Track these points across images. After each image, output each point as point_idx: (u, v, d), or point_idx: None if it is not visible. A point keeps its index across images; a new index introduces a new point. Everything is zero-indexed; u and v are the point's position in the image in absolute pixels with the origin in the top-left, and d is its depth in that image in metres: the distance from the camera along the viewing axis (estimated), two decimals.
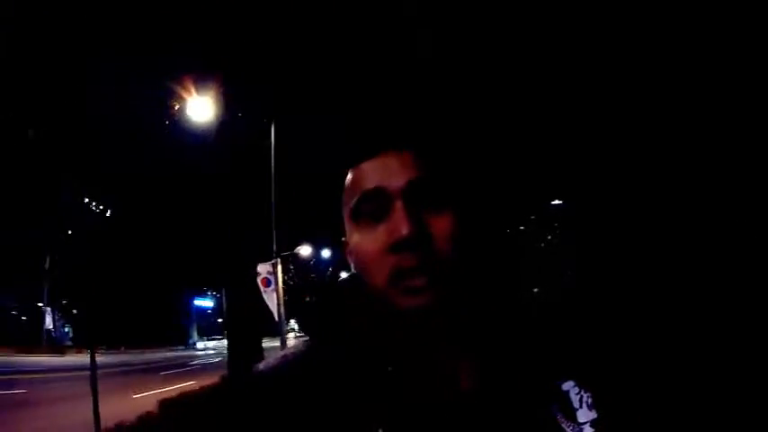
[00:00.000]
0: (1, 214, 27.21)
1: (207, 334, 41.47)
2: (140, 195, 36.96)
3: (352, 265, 0.68)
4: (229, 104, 11.71)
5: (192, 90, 11.38)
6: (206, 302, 47.63)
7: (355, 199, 0.64)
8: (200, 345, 38.41)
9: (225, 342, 32.99)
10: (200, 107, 11.61)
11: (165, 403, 5.86)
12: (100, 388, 11.90)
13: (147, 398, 9.79)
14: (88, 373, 16.56)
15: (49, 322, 28.84)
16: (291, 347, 0.69)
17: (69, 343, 30.32)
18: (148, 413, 5.59)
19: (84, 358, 22.55)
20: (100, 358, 21.84)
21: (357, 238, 0.64)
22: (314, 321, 0.72)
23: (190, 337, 40.86)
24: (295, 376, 0.65)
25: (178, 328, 40.37)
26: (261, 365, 0.68)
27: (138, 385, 12.31)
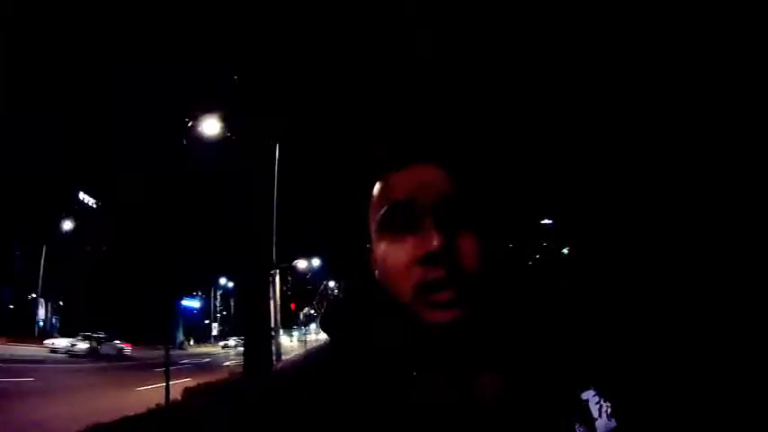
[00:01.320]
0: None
1: (193, 335, 41.79)
2: (140, 194, 37.75)
3: (376, 273, 0.69)
4: (236, 124, 12.67)
5: (204, 109, 12.55)
6: (193, 303, 48.00)
7: (384, 209, 0.64)
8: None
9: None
10: (210, 125, 12.91)
11: (191, 392, 6.81)
12: (100, 381, 12.84)
13: (148, 391, 10.75)
14: (83, 365, 17.45)
15: (41, 314, 29.41)
16: (315, 349, 0.94)
17: (57, 334, 30.88)
18: (177, 400, 6.55)
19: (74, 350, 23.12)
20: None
21: (384, 248, 0.65)
22: (338, 323, 0.73)
23: (176, 337, 41.30)
24: (321, 379, 0.67)
25: (163, 328, 40.81)
26: (285, 366, 0.96)
27: (137, 380, 13.11)
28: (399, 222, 0.63)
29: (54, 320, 33.09)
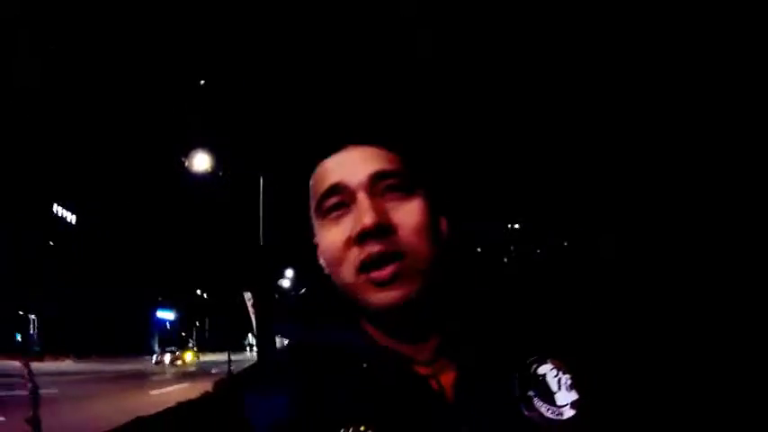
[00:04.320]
0: None
1: (167, 345, 42.87)
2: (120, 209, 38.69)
3: (323, 267, 0.68)
4: (223, 158, 14.76)
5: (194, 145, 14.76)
6: (167, 315, 49.22)
7: (319, 195, 0.65)
8: None
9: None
10: (200, 160, 15.29)
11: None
12: (116, 387, 14.61)
13: (163, 394, 12.72)
14: (82, 377, 19.08)
15: (32, 330, 30.48)
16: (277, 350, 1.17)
17: (38, 349, 31.86)
18: (203, 394, 8.71)
19: (63, 364, 24.52)
20: (78, 365, 23.75)
21: (324, 235, 0.66)
22: (289, 325, 0.74)
23: (151, 347, 42.44)
24: (277, 378, 0.68)
25: (139, 339, 41.87)
26: (246, 371, 1.49)
27: (147, 386, 15.08)
28: (334, 206, 0.64)
29: (35, 336, 33.90)
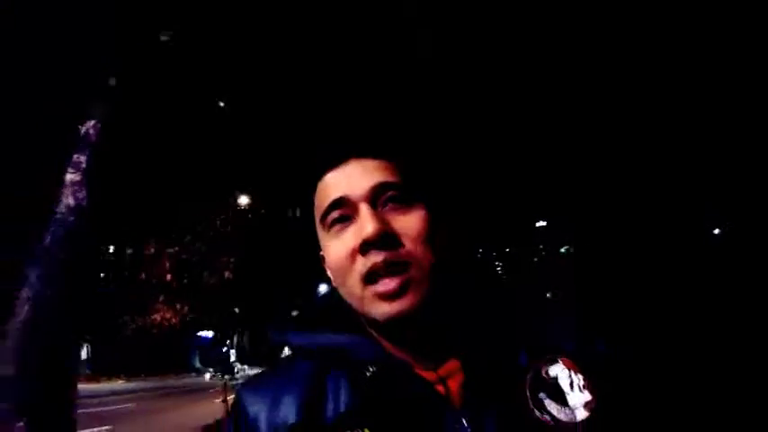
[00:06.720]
0: None
1: (208, 364, 43.83)
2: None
3: (331, 278, 0.70)
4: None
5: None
6: (205, 332, 49.70)
7: (323, 209, 0.66)
8: None
9: None
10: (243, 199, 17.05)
11: None
12: (182, 400, 15.84)
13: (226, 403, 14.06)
14: (144, 394, 20.39)
15: (86, 354, 32.00)
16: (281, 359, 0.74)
17: (89, 371, 33.21)
18: None
19: (117, 384, 25.86)
20: (131, 384, 25.23)
21: (329, 247, 0.67)
22: (292, 331, 0.74)
23: (193, 365, 43.57)
24: (281, 381, 0.69)
25: (180, 357, 42.94)
26: (254, 376, 0.74)
27: (209, 398, 16.49)
28: (338, 219, 0.65)
29: (88, 360, 35.20)
